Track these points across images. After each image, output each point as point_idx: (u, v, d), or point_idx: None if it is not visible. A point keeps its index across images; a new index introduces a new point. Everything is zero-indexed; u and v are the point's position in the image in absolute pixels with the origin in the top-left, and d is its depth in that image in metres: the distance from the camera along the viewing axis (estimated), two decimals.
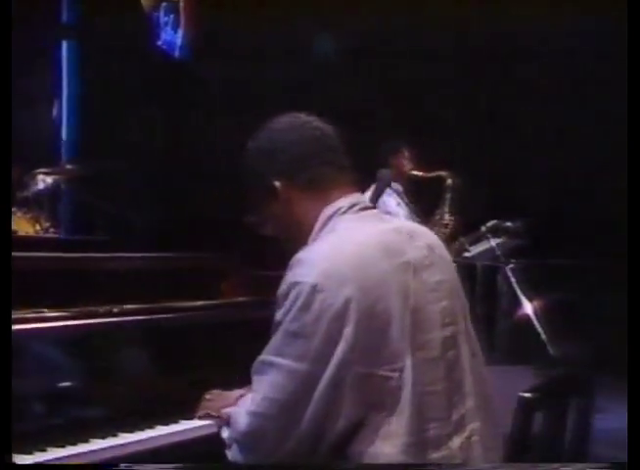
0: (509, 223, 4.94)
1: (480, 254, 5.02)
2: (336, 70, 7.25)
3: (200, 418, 2.52)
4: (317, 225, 2.25)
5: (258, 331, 2.22)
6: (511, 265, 4.74)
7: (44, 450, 2.23)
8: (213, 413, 2.46)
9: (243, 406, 2.20)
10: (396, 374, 2.10)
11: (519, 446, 2.20)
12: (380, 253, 2.16)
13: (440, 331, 2.17)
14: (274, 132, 2.32)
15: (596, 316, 5.57)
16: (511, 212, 5.01)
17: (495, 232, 4.97)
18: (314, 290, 2.07)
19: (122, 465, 2.17)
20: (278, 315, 2.13)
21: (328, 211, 2.25)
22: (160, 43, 7.56)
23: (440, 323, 2.18)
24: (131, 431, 2.41)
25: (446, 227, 5.78)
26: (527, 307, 4.64)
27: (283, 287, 2.14)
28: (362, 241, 2.19)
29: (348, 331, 2.06)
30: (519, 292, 4.61)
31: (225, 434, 2.25)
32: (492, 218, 5.01)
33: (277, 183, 2.28)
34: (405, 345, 2.11)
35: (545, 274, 4.64)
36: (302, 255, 2.17)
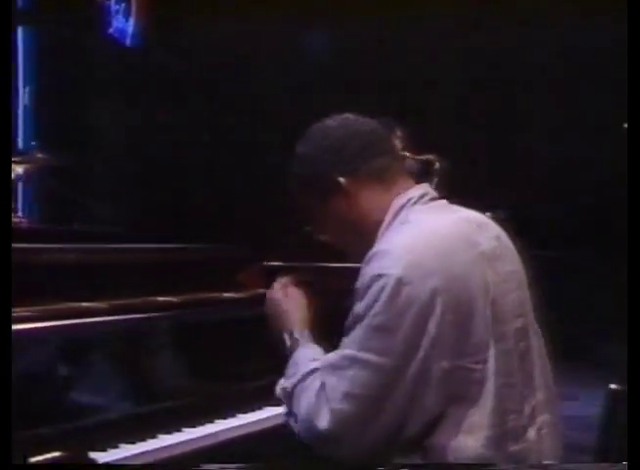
0: (489, 214, 4.92)
1: None
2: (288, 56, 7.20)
3: None
4: (388, 216, 2.21)
5: None
6: None
7: (116, 447, 2.17)
8: None
9: (309, 397, 2.09)
10: (480, 366, 2.09)
11: (607, 438, 2.21)
12: (460, 243, 2.15)
13: (513, 322, 2.17)
14: (328, 131, 2.29)
15: (565, 304, 5.63)
16: (496, 200, 5.01)
17: None
18: (400, 282, 2.03)
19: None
20: (358, 309, 2.08)
21: (399, 201, 2.23)
22: (111, 31, 7.45)
23: (513, 314, 2.17)
24: (193, 426, 2.37)
25: None
26: None
27: (364, 279, 2.09)
28: (442, 232, 2.17)
29: (434, 324, 2.04)
30: None
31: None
32: (479, 205, 5.00)
33: (342, 179, 2.24)
34: (487, 336, 2.10)
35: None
36: (383, 246, 2.13)
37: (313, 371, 2.14)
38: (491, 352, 2.10)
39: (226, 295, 2.97)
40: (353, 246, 2.29)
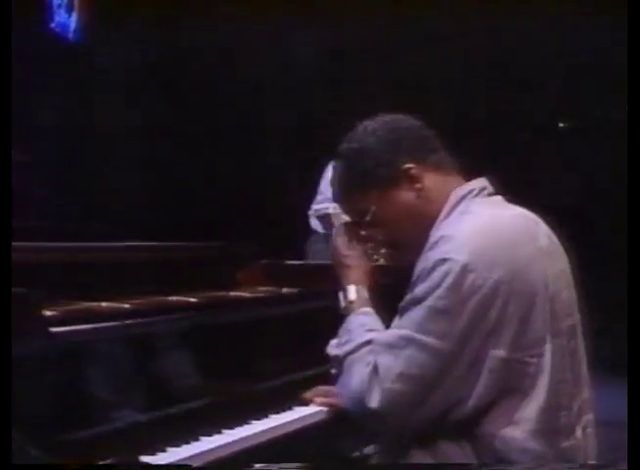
0: None
1: None
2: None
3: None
4: (448, 206, 2.23)
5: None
6: None
7: (164, 451, 2.12)
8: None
9: (362, 374, 2.12)
10: (535, 360, 2.11)
11: None
12: (522, 236, 2.18)
13: (565, 320, 2.19)
14: (389, 124, 2.32)
15: None
16: None
17: None
18: (465, 269, 2.05)
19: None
20: (418, 291, 2.09)
21: (460, 191, 2.25)
22: (53, 26, 7.29)
23: (565, 313, 2.19)
24: (231, 427, 2.32)
25: None
26: None
27: (426, 263, 2.10)
28: (505, 223, 2.20)
29: (495, 313, 2.06)
30: None
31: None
32: None
33: (410, 166, 2.26)
34: (545, 331, 2.12)
35: None
36: (447, 231, 2.14)
37: (366, 343, 2.17)
38: (547, 348, 2.12)
39: (248, 294, 2.91)
40: (409, 237, 2.28)
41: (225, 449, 2.19)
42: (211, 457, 2.15)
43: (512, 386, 2.10)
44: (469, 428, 2.10)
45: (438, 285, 2.06)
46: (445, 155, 2.32)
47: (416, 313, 2.08)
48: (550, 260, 2.20)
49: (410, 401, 2.07)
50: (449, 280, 2.05)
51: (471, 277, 2.04)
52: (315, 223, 6.01)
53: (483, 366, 2.07)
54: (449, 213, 2.22)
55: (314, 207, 5.99)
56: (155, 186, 6.37)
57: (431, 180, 2.26)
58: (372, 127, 2.32)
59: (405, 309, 2.13)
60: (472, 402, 2.08)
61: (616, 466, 2.15)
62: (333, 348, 2.27)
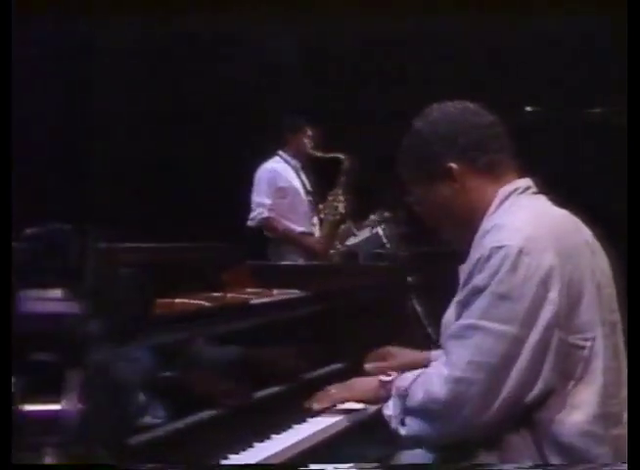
0: (387, 213, 5.03)
1: (367, 240, 5.09)
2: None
3: (326, 412, 2.48)
4: (495, 201, 2.27)
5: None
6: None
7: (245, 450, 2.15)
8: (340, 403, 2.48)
9: (426, 377, 2.18)
10: (589, 343, 2.16)
11: None
12: (570, 227, 2.26)
13: (610, 314, 2.24)
14: (453, 116, 2.32)
15: None
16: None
17: (382, 220, 5.05)
18: (521, 252, 2.09)
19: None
20: (477, 281, 2.12)
21: (506, 189, 2.29)
22: None
23: (609, 308, 2.25)
24: (301, 422, 2.39)
25: (336, 210, 5.84)
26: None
27: (482, 252, 2.13)
28: (553, 214, 2.27)
29: (553, 295, 2.10)
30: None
31: (391, 411, 2.24)
32: (385, 205, 5.09)
33: (454, 166, 2.28)
34: (595, 316, 2.17)
35: (429, 261, 4.71)
36: (498, 221, 2.19)
37: (421, 373, 2.22)
38: (599, 332, 2.17)
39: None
40: (451, 231, 2.35)
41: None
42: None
43: (568, 370, 2.13)
44: (529, 416, 2.13)
45: (496, 272, 2.09)
46: (504, 157, 2.33)
47: (479, 302, 2.11)
48: (594, 254, 2.26)
49: (483, 390, 2.08)
50: (507, 265, 2.09)
51: (526, 260, 2.09)
52: (259, 230, 5.94)
53: (548, 349, 2.10)
54: (497, 209, 2.26)
55: (250, 216, 5.93)
56: (135, 185, 6.22)
57: (474, 182, 2.29)
58: (436, 116, 2.34)
59: (466, 301, 2.15)
60: (539, 387, 2.10)
61: (616, 466, 2.14)
62: (386, 408, 2.27)
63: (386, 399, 2.28)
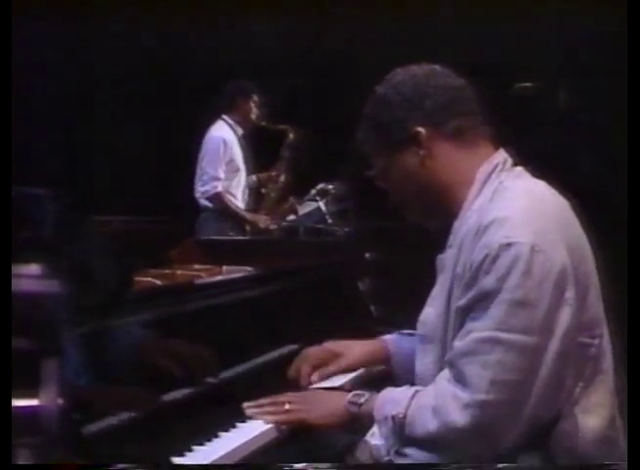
0: (331, 186, 4.95)
1: (308, 214, 5.00)
2: None
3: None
4: (477, 183, 2.08)
5: None
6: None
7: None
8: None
9: (436, 403, 1.92)
10: (596, 341, 2.00)
11: None
12: (568, 213, 2.08)
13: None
14: (419, 78, 2.14)
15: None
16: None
17: (324, 194, 4.96)
18: (533, 250, 1.88)
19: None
20: (486, 284, 1.89)
21: (486, 168, 2.09)
22: None
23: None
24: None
25: (276, 183, 5.74)
26: None
27: (488, 251, 1.90)
28: (550, 200, 2.07)
29: (569, 295, 1.91)
30: None
31: (379, 440, 1.98)
32: (329, 179, 5.02)
33: (421, 130, 2.10)
34: (600, 311, 2.03)
35: (371, 236, 4.63)
36: (500, 213, 1.95)
37: (415, 394, 1.99)
38: (604, 329, 2.03)
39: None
40: (420, 210, 2.17)
41: None
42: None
43: (578, 371, 1.96)
44: (550, 427, 1.94)
45: (508, 273, 1.87)
46: (475, 122, 2.14)
47: (493, 311, 1.88)
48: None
49: (509, 411, 1.87)
50: (520, 265, 1.86)
51: (540, 258, 1.87)
52: (204, 203, 5.84)
53: (569, 355, 1.91)
54: (480, 191, 2.06)
55: (200, 188, 5.82)
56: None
57: (443, 148, 2.10)
58: (400, 79, 2.15)
59: (473, 308, 1.92)
60: (560, 397, 1.93)
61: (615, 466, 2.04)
62: (373, 437, 2.00)
63: (351, 425, 2.07)
